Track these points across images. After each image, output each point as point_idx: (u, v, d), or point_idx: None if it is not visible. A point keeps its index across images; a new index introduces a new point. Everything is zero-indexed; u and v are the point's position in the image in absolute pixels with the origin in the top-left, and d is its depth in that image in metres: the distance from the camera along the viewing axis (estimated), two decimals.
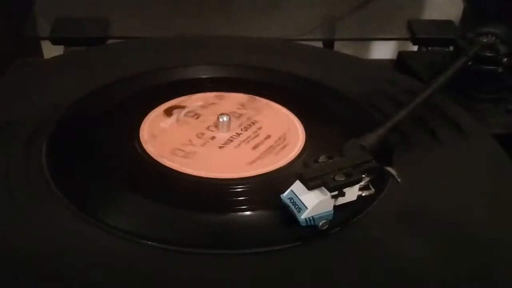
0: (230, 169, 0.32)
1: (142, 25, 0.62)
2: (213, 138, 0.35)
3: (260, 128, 0.36)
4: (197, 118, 0.37)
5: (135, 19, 0.62)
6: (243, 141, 0.35)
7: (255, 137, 0.35)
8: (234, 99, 0.40)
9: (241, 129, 0.36)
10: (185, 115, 0.37)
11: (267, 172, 0.32)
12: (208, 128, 0.36)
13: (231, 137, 0.35)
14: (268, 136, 0.35)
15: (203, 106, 0.38)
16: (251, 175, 0.31)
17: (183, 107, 0.38)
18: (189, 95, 0.40)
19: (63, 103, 0.37)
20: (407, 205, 0.30)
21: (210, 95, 0.40)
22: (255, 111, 0.38)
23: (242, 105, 0.39)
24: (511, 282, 0.26)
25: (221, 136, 0.35)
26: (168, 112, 0.37)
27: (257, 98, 0.40)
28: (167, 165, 0.32)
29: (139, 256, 0.26)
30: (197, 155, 0.33)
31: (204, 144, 0.34)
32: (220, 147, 0.34)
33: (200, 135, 0.35)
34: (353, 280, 0.26)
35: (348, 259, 0.27)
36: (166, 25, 0.63)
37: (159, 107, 0.38)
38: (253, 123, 0.37)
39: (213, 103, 0.39)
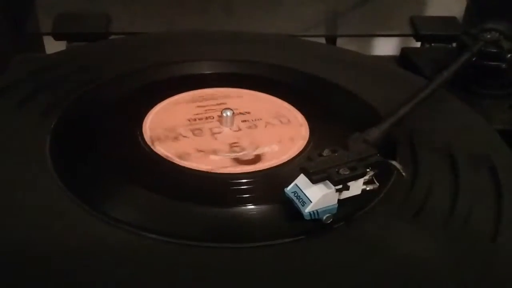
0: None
1: (143, 20, 0.62)
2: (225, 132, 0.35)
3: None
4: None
5: (136, 15, 0.62)
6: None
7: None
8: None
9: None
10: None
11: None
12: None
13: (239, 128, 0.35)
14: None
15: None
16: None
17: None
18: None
19: (65, 98, 0.37)
20: (411, 199, 0.30)
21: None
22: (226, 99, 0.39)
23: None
24: None
25: (228, 130, 0.35)
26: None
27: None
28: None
29: (143, 249, 0.26)
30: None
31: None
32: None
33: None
34: (357, 274, 0.25)
35: (352, 253, 0.27)
36: (168, 20, 0.63)
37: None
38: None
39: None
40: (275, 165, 0.32)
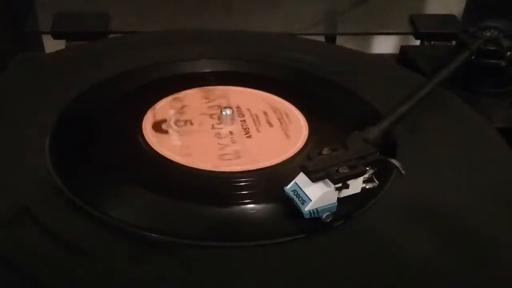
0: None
1: (142, 19, 0.62)
2: (231, 133, 0.35)
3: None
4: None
5: (135, 14, 0.62)
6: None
7: (257, 118, 0.36)
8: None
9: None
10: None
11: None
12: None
13: (242, 126, 0.35)
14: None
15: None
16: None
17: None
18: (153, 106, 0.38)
19: (64, 97, 0.37)
20: (411, 198, 0.30)
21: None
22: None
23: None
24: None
25: (234, 129, 0.35)
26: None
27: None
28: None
29: (143, 249, 0.26)
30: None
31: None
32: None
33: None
34: (357, 272, 0.25)
35: (351, 251, 0.27)
36: (167, 19, 0.63)
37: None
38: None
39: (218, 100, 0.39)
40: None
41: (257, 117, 0.37)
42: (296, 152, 0.33)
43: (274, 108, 0.38)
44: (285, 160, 0.32)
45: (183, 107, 0.37)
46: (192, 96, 0.39)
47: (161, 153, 0.32)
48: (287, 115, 0.37)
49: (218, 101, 0.38)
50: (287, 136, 0.35)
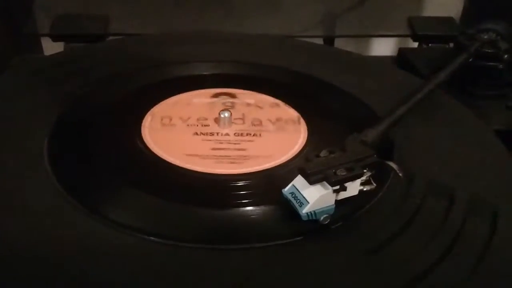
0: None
1: (141, 22, 0.62)
2: (226, 134, 0.35)
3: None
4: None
5: (134, 16, 0.62)
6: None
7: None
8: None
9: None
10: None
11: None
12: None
13: (240, 130, 0.35)
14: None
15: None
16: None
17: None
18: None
19: (63, 100, 0.37)
20: (409, 200, 0.30)
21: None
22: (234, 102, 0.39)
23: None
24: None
25: (231, 131, 0.35)
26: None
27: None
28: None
29: (141, 251, 0.26)
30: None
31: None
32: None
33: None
34: (354, 275, 0.26)
35: (349, 253, 0.27)
36: (166, 22, 0.63)
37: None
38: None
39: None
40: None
41: (255, 119, 0.37)
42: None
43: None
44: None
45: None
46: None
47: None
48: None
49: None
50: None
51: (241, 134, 0.35)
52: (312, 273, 0.25)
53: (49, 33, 0.54)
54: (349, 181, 0.27)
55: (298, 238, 0.27)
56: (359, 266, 0.26)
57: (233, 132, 0.35)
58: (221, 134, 0.35)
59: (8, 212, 0.28)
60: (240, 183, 0.30)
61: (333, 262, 0.26)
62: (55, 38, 0.54)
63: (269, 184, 0.31)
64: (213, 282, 0.25)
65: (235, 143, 0.34)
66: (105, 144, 0.34)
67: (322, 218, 0.27)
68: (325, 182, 0.27)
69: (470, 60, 0.43)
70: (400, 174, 0.28)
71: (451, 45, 0.55)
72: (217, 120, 0.36)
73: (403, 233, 0.28)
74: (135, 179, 0.30)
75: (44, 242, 0.26)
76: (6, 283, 0.24)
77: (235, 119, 0.36)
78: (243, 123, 0.36)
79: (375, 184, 0.28)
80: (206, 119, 0.36)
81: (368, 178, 0.28)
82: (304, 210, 0.26)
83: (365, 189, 0.28)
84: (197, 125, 0.36)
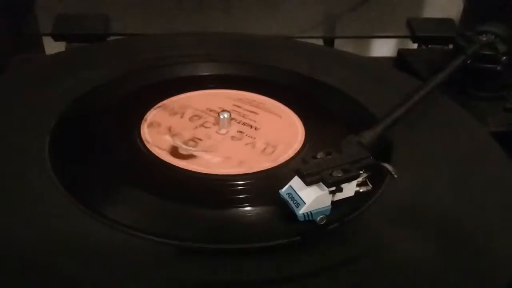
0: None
1: (142, 22, 0.62)
2: (217, 135, 0.35)
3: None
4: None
5: (135, 16, 0.62)
6: (246, 135, 0.35)
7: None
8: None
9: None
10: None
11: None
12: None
13: (235, 133, 0.35)
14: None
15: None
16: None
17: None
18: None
19: (64, 99, 0.37)
20: (405, 201, 0.30)
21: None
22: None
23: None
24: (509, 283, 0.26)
25: (223, 133, 0.35)
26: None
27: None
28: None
29: (140, 250, 0.26)
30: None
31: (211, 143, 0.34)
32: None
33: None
34: (351, 275, 0.26)
35: (345, 254, 0.27)
36: (167, 22, 0.64)
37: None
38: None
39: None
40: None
41: (249, 119, 0.37)
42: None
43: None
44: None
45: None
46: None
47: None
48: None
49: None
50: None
51: (240, 134, 0.35)
52: (308, 273, 0.26)
53: (50, 32, 0.55)
54: (345, 182, 0.27)
55: (294, 239, 0.27)
56: (355, 266, 0.26)
57: (233, 132, 0.35)
58: (209, 129, 0.35)
59: (8, 212, 0.28)
60: (237, 184, 0.31)
61: (329, 262, 0.26)
62: (57, 38, 0.54)
63: (266, 184, 0.31)
64: (209, 282, 0.25)
65: (200, 139, 0.34)
66: (105, 144, 0.34)
67: (318, 218, 0.27)
68: (321, 183, 0.27)
69: (468, 62, 0.43)
70: (396, 176, 0.29)
71: (451, 46, 0.56)
72: (216, 121, 0.36)
73: (400, 233, 0.28)
74: (134, 179, 0.31)
75: (45, 243, 0.26)
76: (4, 285, 0.24)
77: (234, 119, 0.36)
78: (242, 123, 0.36)
79: (371, 186, 0.29)
80: (205, 118, 0.37)
81: (364, 179, 0.28)
82: (301, 211, 0.27)
83: (361, 190, 0.28)
84: (207, 114, 0.37)
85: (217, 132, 0.35)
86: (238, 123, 0.37)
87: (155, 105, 0.38)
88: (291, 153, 0.34)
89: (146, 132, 0.35)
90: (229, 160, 0.33)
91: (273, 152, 0.34)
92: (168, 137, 0.34)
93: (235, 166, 0.32)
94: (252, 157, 0.33)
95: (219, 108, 0.37)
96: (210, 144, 0.34)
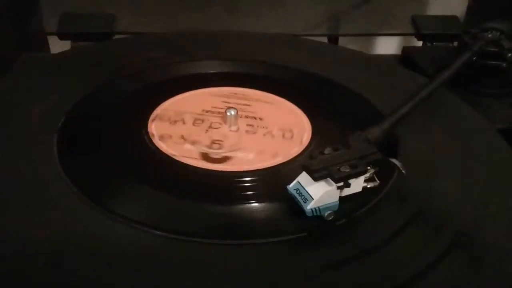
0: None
1: (148, 20, 0.63)
2: (226, 133, 0.35)
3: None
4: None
5: (141, 15, 0.62)
6: (259, 127, 0.36)
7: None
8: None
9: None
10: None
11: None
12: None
13: (246, 127, 0.36)
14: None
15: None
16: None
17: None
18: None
19: (70, 98, 0.37)
20: (412, 197, 0.30)
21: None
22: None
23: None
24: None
25: (233, 130, 0.35)
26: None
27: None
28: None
29: (149, 246, 0.26)
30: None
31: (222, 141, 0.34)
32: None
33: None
34: (358, 271, 0.26)
35: (352, 250, 0.27)
36: (172, 20, 0.64)
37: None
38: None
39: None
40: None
41: (255, 117, 0.37)
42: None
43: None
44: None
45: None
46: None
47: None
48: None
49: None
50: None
51: (236, 134, 0.35)
52: (316, 268, 0.26)
53: (56, 31, 0.55)
54: (353, 178, 0.27)
55: (302, 234, 0.27)
56: (362, 263, 0.26)
57: (243, 126, 0.36)
58: (219, 129, 0.35)
59: (18, 209, 0.28)
60: (245, 180, 0.31)
61: (336, 258, 0.26)
62: (62, 37, 0.54)
63: (274, 180, 0.31)
64: (217, 277, 0.25)
65: (222, 140, 0.34)
66: (113, 141, 0.34)
67: (326, 214, 0.27)
68: (329, 179, 0.27)
69: (474, 59, 0.43)
70: (404, 171, 0.29)
71: (455, 43, 0.56)
72: (223, 118, 0.36)
73: (406, 231, 0.28)
74: (141, 175, 0.31)
75: (55, 239, 0.26)
76: (14, 280, 0.24)
77: (241, 117, 0.36)
78: (245, 116, 0.37)
79: (378, 181, 0.29)
80: (208, 120, 0.37)
81: (372, 175, 0.29)
82: (309, 206, 0.27)
83: (368, 186, 0.28)
84: (207, 116, 0.36)
85: (230, 130, 0.35)
86: (241, 117, 0.37)
87: (162, 102, 0.38)
88: (308, 134, 0.35)
89: (164, 146, 0.33)
90: (262, 154, 0.33)
91: (292, 136, 0.34)
92: (189, 146, 0.33)
93: (271, 158, 0.32)
94: (279, 145, 0.34)
95: (213, 107, 0.38)
96: (233, 143, 0.34)
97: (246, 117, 0.37)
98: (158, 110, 0.37)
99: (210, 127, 0.36)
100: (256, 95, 0.40)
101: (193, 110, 0.37)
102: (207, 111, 0.37)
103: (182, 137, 0.34)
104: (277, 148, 0.34)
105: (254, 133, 0.35)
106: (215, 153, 0.33)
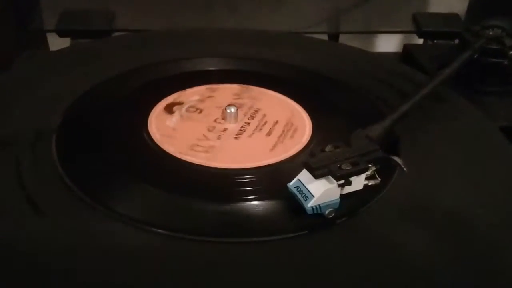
0: (254, 157, 0.32)
1: (147, 18, 0.62)
2: (224, 130, 0.35)
3: (265, 115, 0.37)
4: (200, 112, 0.37)
5: (140, 12, 0.62)
6: (255, 129, 0.35)
7: (264, 124, 0.36)
8: (229, 90, 0.40)
9: (248, 118, 0.36)
10: (187, 110, 0.37)
11: (275, 163, 0.32)
12: (215, 120, 0.36)
13: (242, 127, 0.35)
14: (276, 122, 0.36)
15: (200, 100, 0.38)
16: (258, 165, 0.32)
17: (181, 103, 0.38)
18: (183, 90, 0.39)
19: (70, 95, 0.37)
20: (413, 195, 0.30)
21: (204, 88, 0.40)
22: (255, 100, 0.39)
23: (237, 95, 0.39)
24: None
25: (232, 127, 0.35)
26: (169, 110, 0.37)
27: (254, 87, 0.40)
28: (189, 160, 0.32)
29: (149, 244, 0.26)
30: (216, 148, 0.33)
31: (219, 137, 0.34)
32: (236, 138, 0.34)
33: (211, 129, 0.35)
34: (358, 269, 0.26)
35: (353, 247, 0.27)
36: (172, 18, 0.64)
37: (160, 103, 0.37)
38: (256, 111, 0.37)
39: (210, 96, 0.39)
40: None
41: (255, 111, 0.37)
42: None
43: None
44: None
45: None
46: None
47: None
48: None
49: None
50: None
51: (250, 127, 0.35)
52: (317, 266, 0.26)
53: (55, 29, 0.55)
54: (354, 176, 0.27)
55: (303, 232, 0.27)
56: (363, 260, 0.26)
57: (240, 127, 0.35)
58: (231, 129, 0.35)
59: (16, 209, 0.28)
60: (246, 177, 0.31)
61: (338, 256, 0.26)
62: (61, 34, 0.54)
63: (274, 178, 0.31)
64: (218, 275, 0.25)
65: (247, 136, 0.34)
66: (112, 139, 0.34)
67: (327, 212, 0.27)
68: (330, 177, 0.27)
69: (475, 56, 0.43)
70: (405, 169, 0.28)
71: (456, 41, 0.55)
72: (223, 116, 0.36)
73: (407, 228, 0.28)
74: (141, 173, 0.30)
75: (54, 239, 0.26)
76: (14, 281, 0.24)
77: (242, 114, 0.36)
78: (247, 116, 0.36)
79: (379, 179, 0.29)
80: (212, 115, 0.36)
81: (373, 172, 0.28)
82: (309, 204, 0.27)
83: (370, 184, 0.28)
84: (206, 114, 0.36)
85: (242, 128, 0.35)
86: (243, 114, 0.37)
87: (161, 99, 0.38)
88: (309, 131, 0.35)
89: (153, 125, 0.35)
90: (263, 151, 0.33)
91: (293, 134, 0.35)
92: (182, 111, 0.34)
93: (272, 155, 0.33)
94: (280, 142, 0.34)
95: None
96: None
97: (246, 114, 0.37)
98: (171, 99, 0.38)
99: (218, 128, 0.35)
100: (255, 92, 0.40)
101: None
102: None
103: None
104: (277, 145, 0.34)
105: (260, 130, 0.35)
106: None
